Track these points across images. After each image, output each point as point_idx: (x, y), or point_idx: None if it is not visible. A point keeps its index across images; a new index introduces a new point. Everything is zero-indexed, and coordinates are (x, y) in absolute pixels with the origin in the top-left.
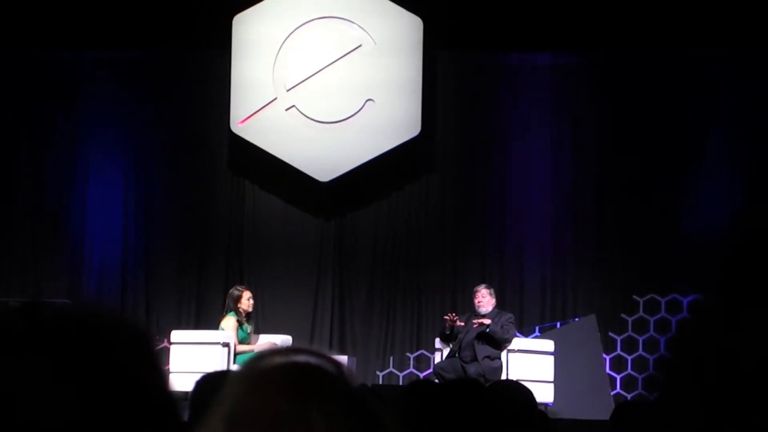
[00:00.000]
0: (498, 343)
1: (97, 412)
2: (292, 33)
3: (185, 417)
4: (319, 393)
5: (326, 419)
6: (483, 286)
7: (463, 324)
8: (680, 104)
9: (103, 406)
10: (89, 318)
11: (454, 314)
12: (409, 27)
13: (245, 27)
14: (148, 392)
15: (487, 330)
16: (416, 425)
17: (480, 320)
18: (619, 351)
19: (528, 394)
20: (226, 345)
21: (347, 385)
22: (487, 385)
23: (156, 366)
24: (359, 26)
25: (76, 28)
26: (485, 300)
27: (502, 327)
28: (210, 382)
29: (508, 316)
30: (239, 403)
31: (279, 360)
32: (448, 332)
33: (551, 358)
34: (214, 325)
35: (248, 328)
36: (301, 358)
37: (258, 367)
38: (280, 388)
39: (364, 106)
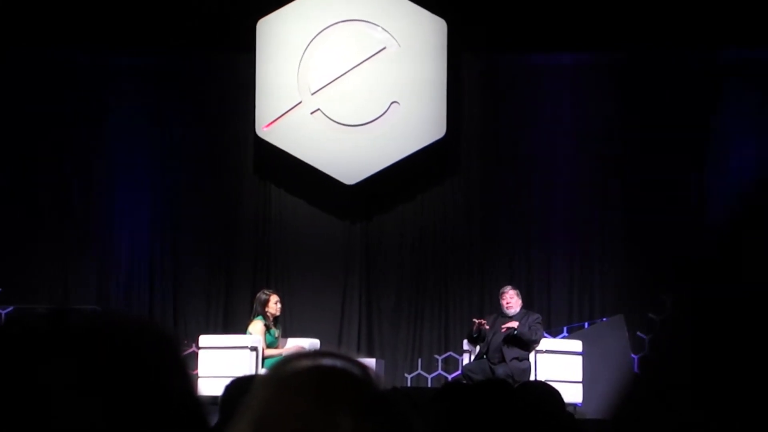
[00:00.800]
0: (526, 344)
1: (124, 418)
2: (316, 36)
3: (215, 421)
4: (345, 396)
5: (353, 423)
6: (509, 287)
7: (489, 327)
8: (702, 103)
9: (130, 412)
10: (116, 324)
11: (482, 320)
12: (433, 29)
13: (269, 31)
14: (175, 398)
15: (515, 333)
16: (447, 427)
17: (506, 325)
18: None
19: (556, 395)
20: (254, 349)
21: (374, 389)
22: (516, 386)
23: (183, 371)
24: (383, 29)
25: (101, 31)
26: (513, 301)
27: (529, 328)
28: (239, 387)
29: (536, 317)
30: (266, 407)
31: (306, 364)
32: (475, 335)
33: (579, 358)
34: (242, 329)
35: (276, 332)
36: (328, 361)
37: (285, 371)
38: (307, 392)
39: (389, 108)
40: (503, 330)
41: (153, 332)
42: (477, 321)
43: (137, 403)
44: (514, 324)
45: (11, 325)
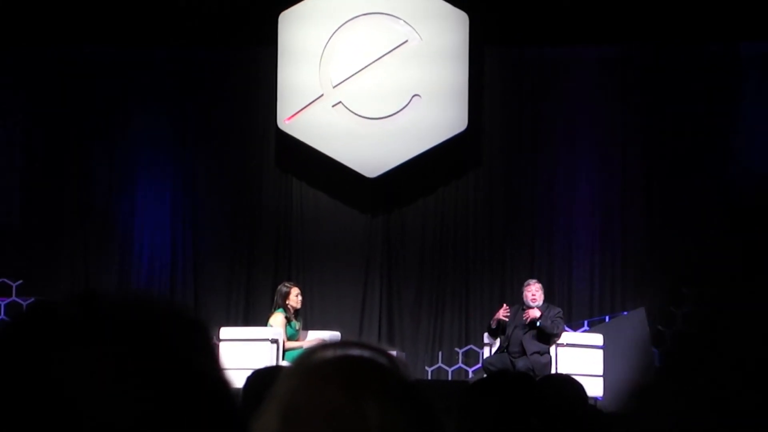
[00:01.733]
0: (547, 337)
1: (161, 403)
2: (338, 29)
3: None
4: (372, 385)
5: (380, 411)
6: (535, 280)
7: (508, 318)
8: (730, 97)
9: (166, 396)
10: (145, 308)
11: (505, 308)
12: (455, 22)
13: (291, 24)
14: (208, 382)
15: (538, 324)
16: (474, 419)
17: (529, 313)
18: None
19: (580, 388)
20: (274, 341)
21: (401, 378)
22: (538, 379)
23: (213, 355)
24: (405, 22)
25: (123, 26)
26: (538, 295)
27: (551, 322)
28: (260, 378)
29: (557, 311)
30: (293, 396)
31: (332, 353)
32: (494, 327)
33: (600, 351)
34: (263, 321)
35: (297, 324)
36: (355, 351)
37: (312, 361)
38: (334, 382)
39: (410, 101)
40: (526, 318)
41: (182, 316)
42: (502, 311)
43: (173, 389)
44: (537, 313)
45: (36, 314)
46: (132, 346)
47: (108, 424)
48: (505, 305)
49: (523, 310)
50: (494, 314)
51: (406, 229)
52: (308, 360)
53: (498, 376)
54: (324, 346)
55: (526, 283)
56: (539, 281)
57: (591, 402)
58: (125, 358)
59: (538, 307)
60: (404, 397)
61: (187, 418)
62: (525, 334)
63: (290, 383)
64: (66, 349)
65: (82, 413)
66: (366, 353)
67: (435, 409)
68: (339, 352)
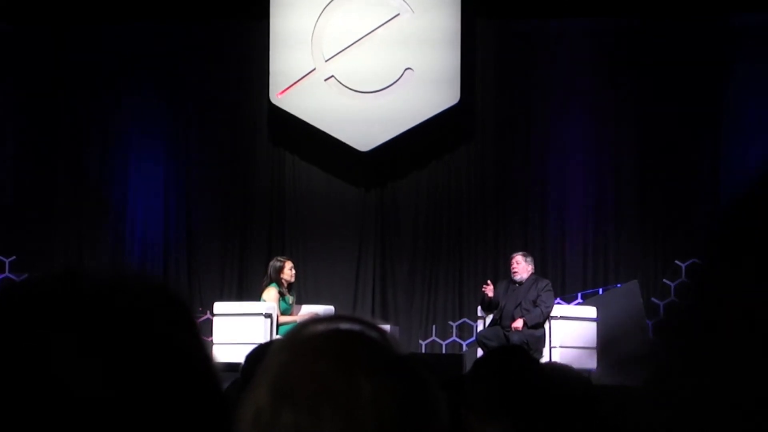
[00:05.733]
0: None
1: (143, 381)
2: (330, 3)
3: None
4: (363, 360)
5: (372, 385)
6: (519, 253)
7: (492, 296)
8: (720, 69)
9: (148, 375)
10: (127, 286)
11: (487, 287)
12: None
13: None
14: (189, 358)
15: (529, 327)
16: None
17: (514, 325)
18: (662, 316)
19: (586, 382)
20: (268, 316)
21: (392, 352)
22: (533, 354)
23: (194, 331)
24: None
25: (114, 2)
26: (520, 267)
27: (536, 305)
28: (263, 354)
29: (545, 283)
30: (284, 371)
31: (323, 328)
32: (487, 302)
33: (594, 324)
34: (257, 296)
35: (290, 298)
36: (345, 325)
37: (302, 336)
38: (325, 356)
39: (402, 75)
40: (513, 328)
41: (162, 292)
42: (485, 287)
43: (150, 367)
44: (519, 324)
45: (18, 294)
46: (114, 325)
47: (92, 404)
48: (488, 283)
49: (513, 282)
50: (484, 291)
51: (399, 203)
52: (299, 334)
53: (501, 350)
54: (315, 320)
55: (510, 256)
56: (528, 254)
57: (584, 374)
58: (108, 338)
59: (525, 281)
60: (396, 370)
61: (169, 394)
62: (516, 308)
63: (281, 358)
64: (50, 330)
65: (68, 393)
66: (356, 327)
67: (428, 382)
68: (330, 326)
